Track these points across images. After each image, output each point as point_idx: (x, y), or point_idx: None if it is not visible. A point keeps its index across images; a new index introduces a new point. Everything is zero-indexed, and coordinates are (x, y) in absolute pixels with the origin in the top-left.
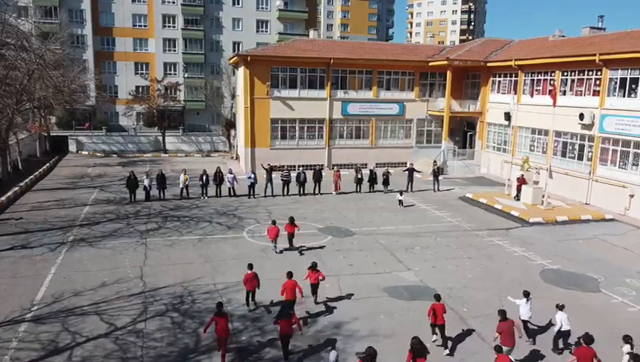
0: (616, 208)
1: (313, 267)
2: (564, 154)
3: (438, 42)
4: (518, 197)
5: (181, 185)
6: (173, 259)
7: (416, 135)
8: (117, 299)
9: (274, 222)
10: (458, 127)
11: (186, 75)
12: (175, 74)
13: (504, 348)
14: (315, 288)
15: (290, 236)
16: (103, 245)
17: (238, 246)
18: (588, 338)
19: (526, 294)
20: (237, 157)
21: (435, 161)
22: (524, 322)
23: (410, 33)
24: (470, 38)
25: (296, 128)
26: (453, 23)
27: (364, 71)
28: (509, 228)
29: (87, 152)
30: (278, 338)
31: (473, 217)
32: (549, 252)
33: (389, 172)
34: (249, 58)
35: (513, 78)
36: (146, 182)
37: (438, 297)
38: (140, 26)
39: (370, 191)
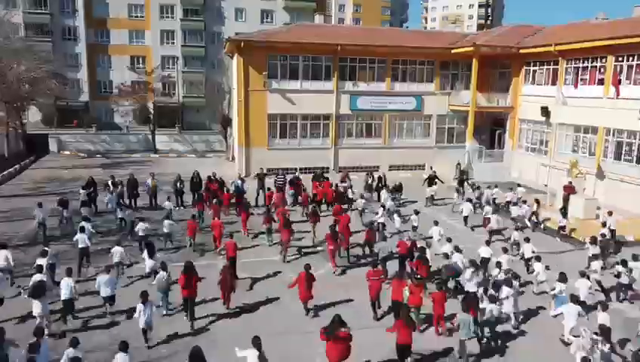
0: None
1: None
2: (618, 157)
3: None
4: (565, 210)
5: (149, 193)
6: (117, 298)
7: (437, 133)
8: None
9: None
10: (485, 125)
11: (177, 68)
12: (173, 68)
13: None
14: None
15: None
16: (29, 279)
17: (210, 275)
18: None
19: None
20: (233, 158)
21: (458, 164)
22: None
23: (425, 28)
24: None
25: (298, 125)
26: (470, 17)
27: (377, 60)
28: (560, 251)
29: (69, 152)
30: None
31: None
32: None
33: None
34: (242, 44)
35: (552, 67)
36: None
37: None
38: (135, 16)
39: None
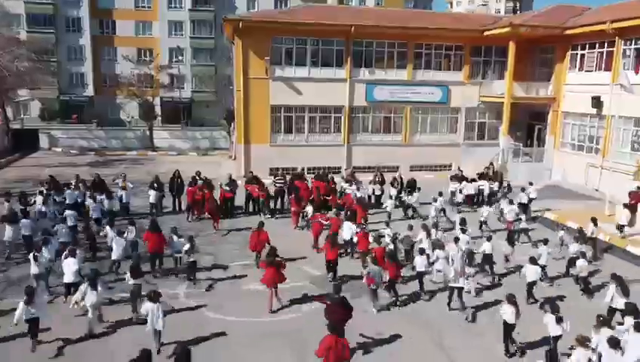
0: None
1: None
2: None
3: None
4: (631, 223)
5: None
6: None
7: (465, 129)
8: None
9: None
10: (522, 119)
11: (185, 60)
12: (182, 61)
13: None
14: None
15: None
16: None
17: (169, 321)
18: None
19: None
20: (235, 157)
21: (491, 164)
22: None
23: None
24: None
25: (305, 119)
26: (497, 11)
27: (396, 44)
28: (631, 279)
29: (60, 149)
30: None
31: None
32: None
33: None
34: (241, 24)
35: (606, 49)
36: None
37: None
38: (142, 6)
39: (396, 207)
